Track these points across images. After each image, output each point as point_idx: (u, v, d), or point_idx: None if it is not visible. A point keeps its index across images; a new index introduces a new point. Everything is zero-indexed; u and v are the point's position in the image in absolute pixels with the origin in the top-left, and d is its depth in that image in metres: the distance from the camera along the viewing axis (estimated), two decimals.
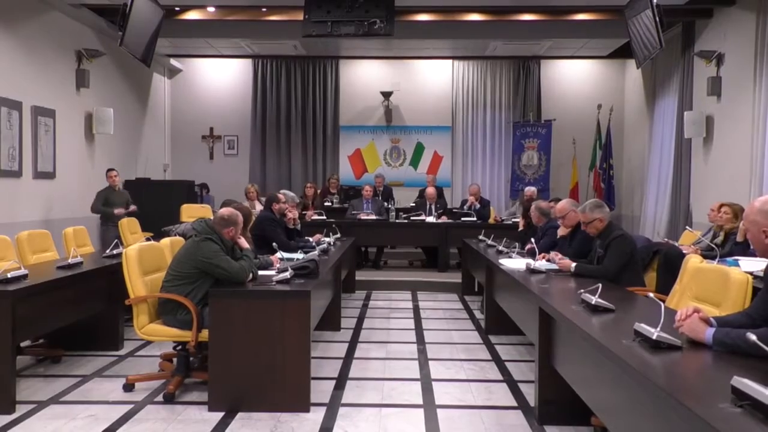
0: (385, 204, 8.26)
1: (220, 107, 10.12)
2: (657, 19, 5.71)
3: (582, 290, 2.70)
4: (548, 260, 4.07)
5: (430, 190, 8.20)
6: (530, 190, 7.71)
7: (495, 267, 4.37)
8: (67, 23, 7.04)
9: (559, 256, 3.76)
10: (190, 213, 7.05)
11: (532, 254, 4.33)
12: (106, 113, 7.54)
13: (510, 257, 4.58)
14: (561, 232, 4.44)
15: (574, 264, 3.66)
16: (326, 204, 8.43)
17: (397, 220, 7.80)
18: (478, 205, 7.91)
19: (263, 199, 5.87)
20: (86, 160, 7.43)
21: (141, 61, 6.54)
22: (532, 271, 3.73)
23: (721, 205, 4.49)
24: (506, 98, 10.00)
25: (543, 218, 5.10)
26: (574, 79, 10.01)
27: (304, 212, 7.43)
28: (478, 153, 10.06)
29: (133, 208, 6.76)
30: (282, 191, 5.64)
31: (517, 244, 5.08)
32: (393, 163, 10.21)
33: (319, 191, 8.76)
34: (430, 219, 7.78)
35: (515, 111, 9.95)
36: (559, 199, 5.17)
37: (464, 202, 8.17)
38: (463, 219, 7.72)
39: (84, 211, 6.90)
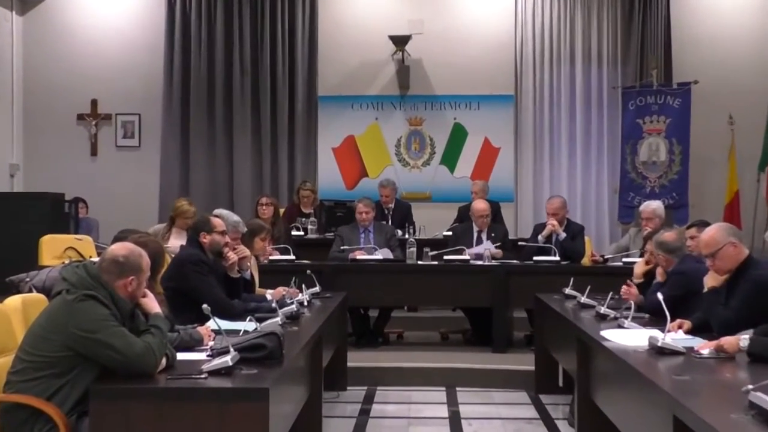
0: (398, 233, 8.20)
1: (110, 66, 10.23)
2: None
3: (750, 386, 2.69)
4: (684, 329, 4.04)
5: (479, 207, 8.19)
6: (652, 206, 7.65)
7: (594, 344, 4.35)
8: None
9: (724, 338, 3.72)
10: (56, 250, 7.08)
11: (655, 315, 4.28)
12: None
13: (621, 326, 4.56)
14: (710, 281, 4.43)
15: (745, 338, 3.63)
16: (295, 234, 8.44)
17: (420, 262, 7.78)
18: (563, 234, 7.89)
19: None
20: None
21: None
22: (660, 350, 3.71)
23: None
24: (609, 46, 10.08)
25: (672, 259, 5.09)
26: (726, 11, 10.10)
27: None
28: (561, 142, 10.11)
29: None
30: (217, 212, 5.64)
31: (632, 302, 5.06)
32: (412, 160, 10.26)
33: (282, 211, 8.78)
34: (478, 255, 7.78)
35: (626, 68, 10.01)
36: (707, 223, 5.14)
37: (539, 228, 8.16)
38: (536, 258, 7.70)
39: None
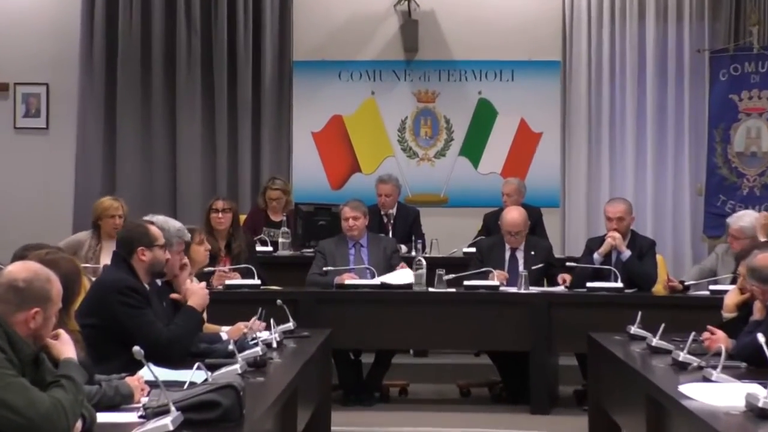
0: (402, 248, 8.24)
1: (7, 19, 10.25)
2: None
3: None
4: None
5: (512, 219, 8.21)
6: (741, 222, 7.61)
7: (671, 403, 4.36)
8: None
9: None
10: None
11: (753, 365, 4.29)
12: None
13: (708, 379, 4.57)
14: None
15: None
16: (261, 250, 8.49)
17: (432, 289, 7.79)
18: (626, 252, 7.90)
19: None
20: None
21: None
22: (761, 413, 3.71)
23: None
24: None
25: None
26: None
27: (208, 269, 7.41)
28: (625, 126, 10.14)
29: None
30: (149, 218, 5.63)
31: (722, 346, 5.08)
32: (421, 150, 10.30)
33: (243, 219, 8.80)
34: (508, 280, 7.81)
35: (715, 25, 10.05)
36: None
37: (594, 243, 8.16)
38: (590, 285, 7.72)
39: None
